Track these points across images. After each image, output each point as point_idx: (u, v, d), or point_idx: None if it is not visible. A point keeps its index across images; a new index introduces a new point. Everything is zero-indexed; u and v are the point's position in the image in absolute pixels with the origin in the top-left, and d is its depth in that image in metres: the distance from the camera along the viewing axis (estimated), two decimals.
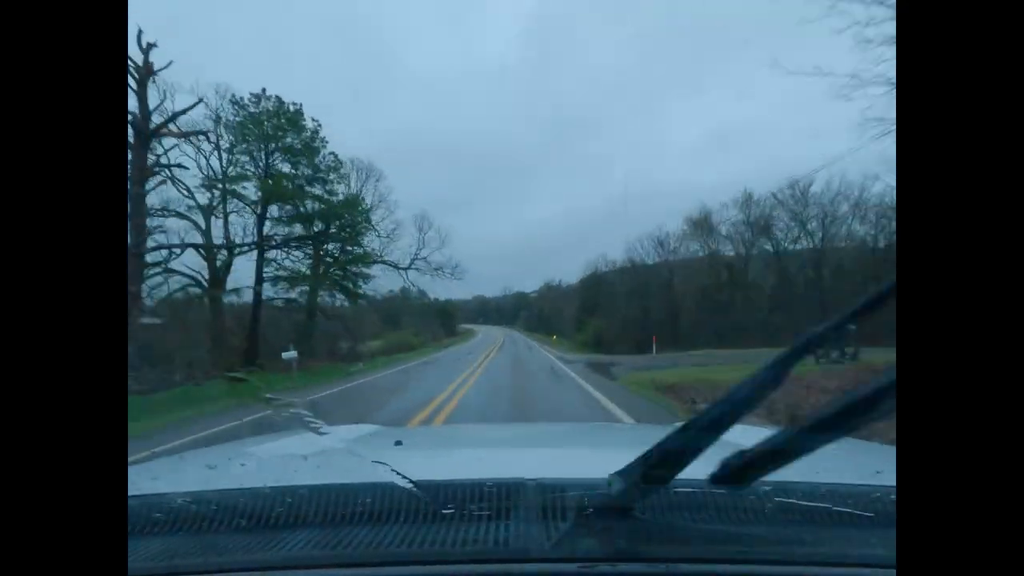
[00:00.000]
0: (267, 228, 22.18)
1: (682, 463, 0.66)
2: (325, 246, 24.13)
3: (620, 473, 0.71)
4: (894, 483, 0.77)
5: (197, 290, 20.27)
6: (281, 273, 23.05)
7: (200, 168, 20.41)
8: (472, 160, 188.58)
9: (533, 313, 74.52)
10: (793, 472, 0.87)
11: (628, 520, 0.70)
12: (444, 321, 64.57)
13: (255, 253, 21.69)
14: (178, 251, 18.82)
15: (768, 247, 37.31)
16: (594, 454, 1.45)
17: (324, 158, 23.09)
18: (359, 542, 0.72)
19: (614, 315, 39.33)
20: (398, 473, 0.82)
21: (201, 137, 19.06)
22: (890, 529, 0.72)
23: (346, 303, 27.33)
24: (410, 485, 0.81)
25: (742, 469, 0.62)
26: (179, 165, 17.99)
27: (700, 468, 0.67)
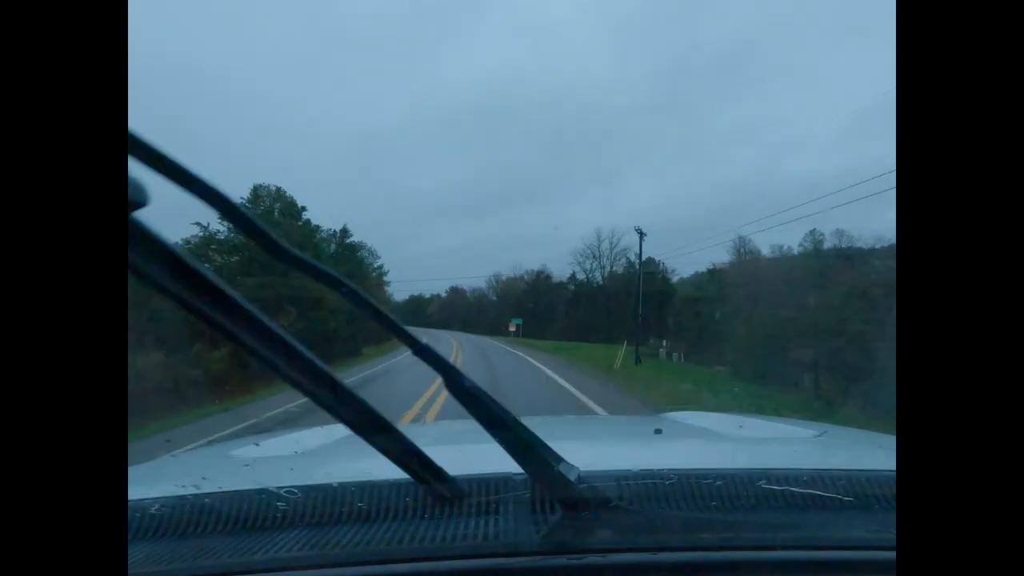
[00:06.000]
0: None
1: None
2: None
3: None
4: (876, 467, 0.78)
5: None
6: None
7: None
8: (567, 122, 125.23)
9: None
10: (776, 458, 0.87)
11: (616, 511, 0.72)
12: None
13: None
14: None
15: None
16: (577, 446, 1.45)
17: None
18: (348, 541, 0.72)
19: None
20: (389, 469, 0.82)
21: None
22: (871, 513, 0.74)
23: None
24: (398, 483, 0.80)
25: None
26: None
27: (681, 459, 0.67)
